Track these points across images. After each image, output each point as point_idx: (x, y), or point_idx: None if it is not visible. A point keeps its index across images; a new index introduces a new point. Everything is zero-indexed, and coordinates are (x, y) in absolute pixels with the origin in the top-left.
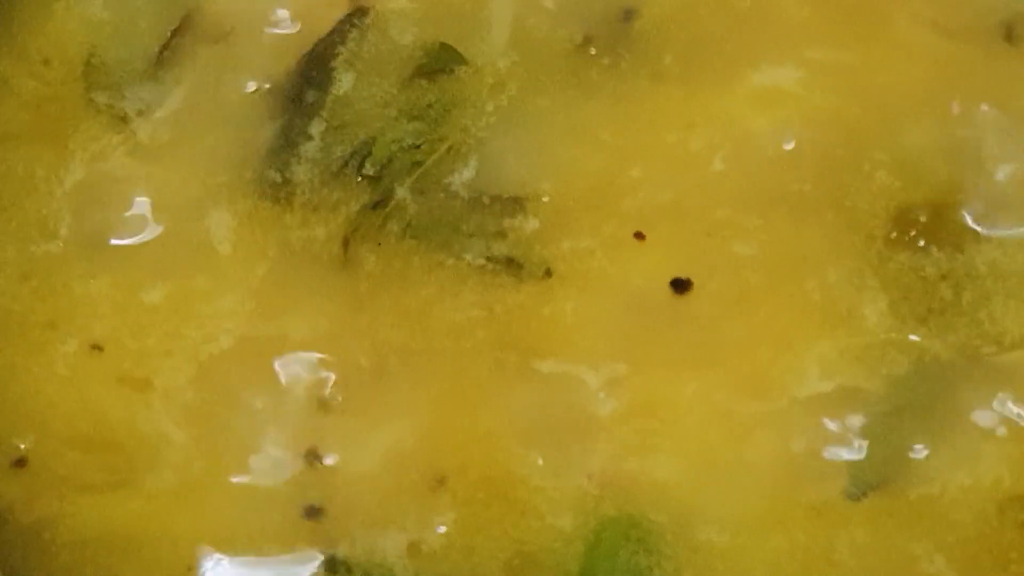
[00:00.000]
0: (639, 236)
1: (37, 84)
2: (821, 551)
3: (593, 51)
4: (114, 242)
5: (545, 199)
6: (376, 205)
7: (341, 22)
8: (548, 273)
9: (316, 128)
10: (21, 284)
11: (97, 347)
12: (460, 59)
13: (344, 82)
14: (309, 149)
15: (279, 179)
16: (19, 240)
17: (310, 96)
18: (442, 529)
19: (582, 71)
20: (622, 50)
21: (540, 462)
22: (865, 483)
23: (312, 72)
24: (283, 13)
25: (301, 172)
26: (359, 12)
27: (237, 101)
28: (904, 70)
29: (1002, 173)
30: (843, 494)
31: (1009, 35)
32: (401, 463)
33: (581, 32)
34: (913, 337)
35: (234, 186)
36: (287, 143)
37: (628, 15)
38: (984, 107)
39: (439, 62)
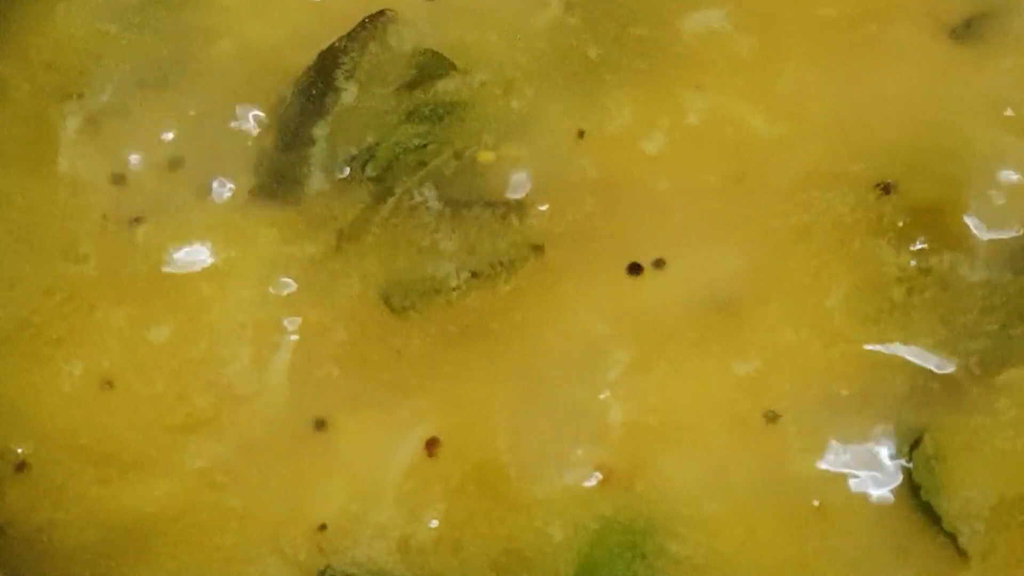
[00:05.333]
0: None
1: (35, 89)
2: (822, 558)
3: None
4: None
5: (544, 207)
6: (376, 202)
7: (355, 29)
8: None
9: (321, 132)
10: (45, 298)
11: (108, 383)
12: (451, 65)
13: (350, 88)
14: (314, 154)
15: (286, 185)
16: (43, 257)
17: (317, 102)
18: (434, 523)
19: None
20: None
21: (535, 460)
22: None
23: (319, 77)
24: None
25: (309, 178)
26: (374, 18)
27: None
28: (901, 69)
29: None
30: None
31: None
32: (401, 462)
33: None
34: (918, 346)
35: (242, 194)
36: (293, 149)
37: None
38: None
39: (431, 69)
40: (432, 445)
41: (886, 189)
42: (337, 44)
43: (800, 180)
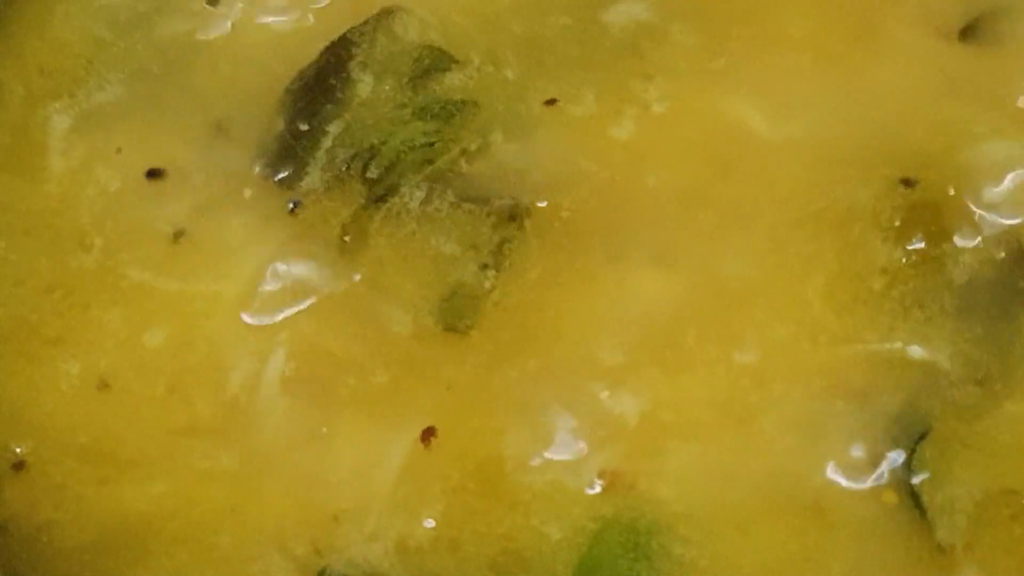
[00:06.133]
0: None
1: (29, 94)
2: (823, 556)
3: None
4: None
5: (543, 203)
6: (378, 199)
7: (366, 22)
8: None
9: (335, 127)
10: (44, 296)
11: (104, 383)
12: (451, 59)
13: (361, 83)
14: (323, 150)
15: (290, 183)
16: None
17: (334, 92)
18: (431, 523)
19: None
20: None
21: (534, 459)
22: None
23: (335, 68)
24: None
25: (312, 175)
26: (383, 13)
27: (250, 105)
28: (898, 71)
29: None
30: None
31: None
32: (399, 462)
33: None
34: (920, 350)
35: (243, 197)
36: (299, 146)
37: None
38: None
39: (434, 64)
40: (428, 435)
41: (907, 183)
42: (349, 35)
43: (793, 174)
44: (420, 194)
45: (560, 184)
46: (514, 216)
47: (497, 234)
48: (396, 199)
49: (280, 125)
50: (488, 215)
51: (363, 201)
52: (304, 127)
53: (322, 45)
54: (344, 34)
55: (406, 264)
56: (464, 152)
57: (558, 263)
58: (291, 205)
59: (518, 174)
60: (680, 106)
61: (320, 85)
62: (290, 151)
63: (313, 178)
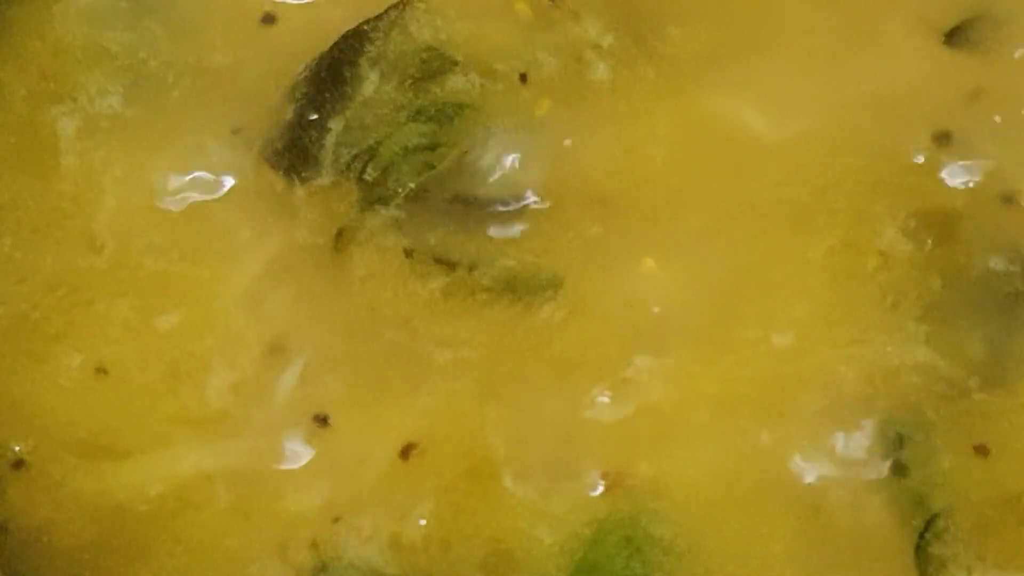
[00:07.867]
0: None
1: (30, 95)
2: (813, 551)
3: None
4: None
5: (548, 203)
6: (375, 203)
7: (377, 17)
8: (555, 286)
9: (336, 124)
10: (46, 293)
11: (103, 371)
12: (451, 62)
13: (367, 81)
14: (326, 147)
15: (297, 174)
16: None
17: (343, 87)
18: (423, 522)
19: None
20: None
21: (526, 460)
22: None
23: (347, 61)
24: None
25: (319, 169)
26: (397, 7)
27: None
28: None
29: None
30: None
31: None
32: (395, 461)
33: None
34: (921, 351)
35: (248, 193)
36: (307, 137)
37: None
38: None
39: (435, 65)
40: (408, 450)
41: (944, 139)
42: (364, 27)
43: (792, 169)
44: (416, 195)
45: (562, 179)
46: (518, 214)
47: (501, 232)
48: (392, 204)
49: (289, 114)
50: (490, 215)
51: (359, 202)
52: (313, 116)
53: (321, 41)
54: (359, 26)
55: (405, 266)
56: (463, 153)
57: (555, 262)
58: (296, 196)
59: (519, 172)
60: (680, 97)
61: (332, 76)
62: (298, 142)
63: (320, 172)
